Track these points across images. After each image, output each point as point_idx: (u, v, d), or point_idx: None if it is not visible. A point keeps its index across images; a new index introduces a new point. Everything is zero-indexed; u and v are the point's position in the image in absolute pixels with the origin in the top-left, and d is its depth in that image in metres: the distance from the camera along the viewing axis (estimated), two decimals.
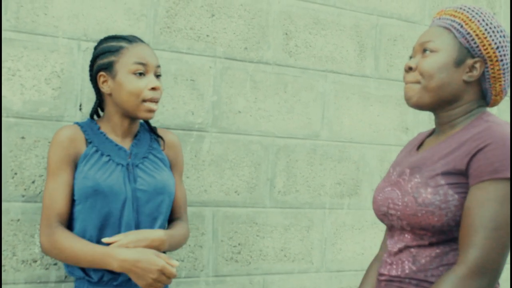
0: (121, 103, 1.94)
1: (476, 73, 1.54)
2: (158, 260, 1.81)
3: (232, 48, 2.47)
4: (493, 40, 1.52)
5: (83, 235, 1.90)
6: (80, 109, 2.18)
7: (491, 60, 1.53)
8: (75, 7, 2.18)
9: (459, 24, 1.54)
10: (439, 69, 1.53)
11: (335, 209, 2.68)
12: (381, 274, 1.62)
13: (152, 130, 2.08)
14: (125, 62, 1.92)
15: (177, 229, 2.03)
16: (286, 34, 2.58)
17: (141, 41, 1.98)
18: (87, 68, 2.20)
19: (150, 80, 1.93)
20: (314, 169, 2.63)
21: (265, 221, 2.53)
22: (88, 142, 1.95)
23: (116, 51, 1.94)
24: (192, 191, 2.38)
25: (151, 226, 1.96)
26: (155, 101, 1.94)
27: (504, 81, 1.55)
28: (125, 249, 1.81)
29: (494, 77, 1.54)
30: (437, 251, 1.52)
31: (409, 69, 1.59)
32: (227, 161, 2.45)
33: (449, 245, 1.51)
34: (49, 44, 2.14)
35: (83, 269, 1.91)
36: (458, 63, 1.54)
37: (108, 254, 1.81)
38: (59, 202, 1.90)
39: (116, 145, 1.97)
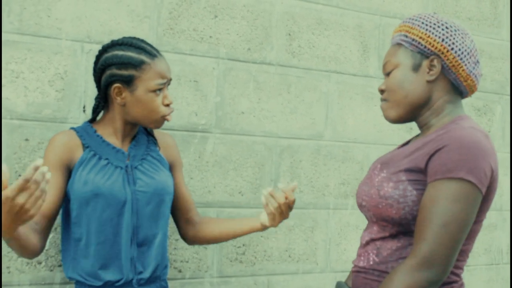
0: (134, 115, 1.94)
1: (436, 69, 1.65)
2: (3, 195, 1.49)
3: (235, 49, 2.47)
4: (436, 35, 1.64)
5: (86, 238, 1.90)
6: (84, 110, 2.19)
7: (442, 53, 1.64)
8: (78, 9, 2.19)
9: (404, 35, 1.69)
10: (400, 81, 1.67)
11: (339, 209, 2.68)
12: (354, 266, 1.73)
13: (148, 132, 2.08)
14: (147, 80, 1.91)
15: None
16: (289, 34, 2.58)
17: (159, 53, 1.96)
18: (91, 70, 2.20)
19: (165, 95, 1.95)
20: (318, 170, 2.63)
21: None
22: (85, 147, 1.95)
23: (137, 65, 1.90)
24: (196, 192, 2.38)
25: (152, 227, 1.96)
26: (168, 115, 1.97)
27: (465, 65, 1.65)
28: None
29: (453, 65, 1.64)
30: (398, 244, 1.62)
31: (381, 92, 1.73)
32: (231, 162, 2.45)
33: (408, 240, 1.61)
34: (52, 46, 2.15)
35: (82, 274, 1.91)
36: (416, 68, 1.67)
37: None
38: (44, 204, 1.88)
39: (114, 147, 1.97)
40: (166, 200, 1.99)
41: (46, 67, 2.13)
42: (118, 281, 1.91)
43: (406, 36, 1.68)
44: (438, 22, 1.66)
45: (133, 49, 1.92)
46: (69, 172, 1.94)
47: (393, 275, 1.50)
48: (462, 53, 1.64)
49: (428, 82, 1.66)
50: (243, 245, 2.48)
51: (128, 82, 1.91)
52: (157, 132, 2.12)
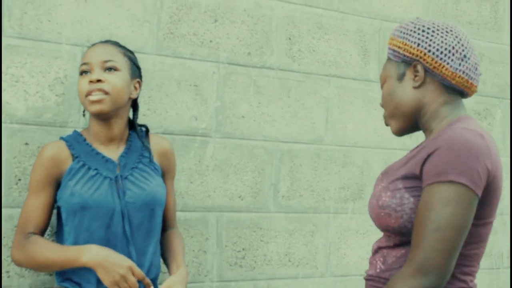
0: None
1: (420, 74, 1.65)
2: (128, 260, 1.82)
3: (235, 53, 2.47)
4: (410, 41, 1.65)
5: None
6: (84, 115, 2.19)
7: (421, 57, 1.63)
8: (79, 13, 2.19)
9: (388, 47, 1.72)
10: (389, 94, 1.69)
11: (340, 213, 2.68)
12: (366, 273, 1.73)
13: (140, 139, 2.04)
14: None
15: (181, 245, 2.06)
16: (290, 39, 2.58)
17: (102, 42, 1.99)
18: None
19: (91, 75, 1.93)
20: (318, 174, 2.63)
21: (269, 226, 2.53)
22: (75, 157, 1.93)
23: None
24: (196, 196, 2.38)
25: (145, 239, 1.95)
26: (93, 93, 1.90)
27: (448, 63, 1.62)
28: (97, 246, 1.82)
29: (434, 67, 1.63)
30: (402, 251, 1.60)
31: (382, 106, 1.75)
32: (231, 166, 2.45)
33: None
34: (52, 51, 2.15)
35: (77, 282, 1.90)
36: (401, 77, 1.67)
37: (80, 249, 1.82)
38: (34, 220, 1.92)
39: (103, 157, 1.95)
40: (157, 210, 1.97)
41: (46, 71, 2.14)
42: None
43: (389, 48, 1.70)
44: (415, 27, 1.66)
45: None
46: (58, 184, 1.95)
47: (390, 283, 1.49)
48: (442, 52, 1.62)
49: (415, 88, 1.66)
50: (243, 249, 2.47)
51: None
52: (155, 137, 2.09)
